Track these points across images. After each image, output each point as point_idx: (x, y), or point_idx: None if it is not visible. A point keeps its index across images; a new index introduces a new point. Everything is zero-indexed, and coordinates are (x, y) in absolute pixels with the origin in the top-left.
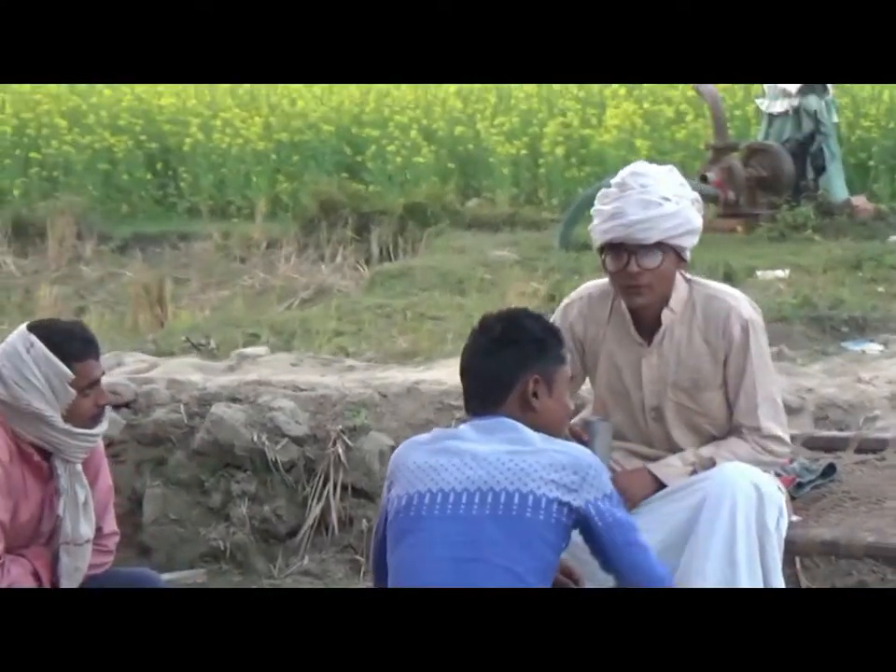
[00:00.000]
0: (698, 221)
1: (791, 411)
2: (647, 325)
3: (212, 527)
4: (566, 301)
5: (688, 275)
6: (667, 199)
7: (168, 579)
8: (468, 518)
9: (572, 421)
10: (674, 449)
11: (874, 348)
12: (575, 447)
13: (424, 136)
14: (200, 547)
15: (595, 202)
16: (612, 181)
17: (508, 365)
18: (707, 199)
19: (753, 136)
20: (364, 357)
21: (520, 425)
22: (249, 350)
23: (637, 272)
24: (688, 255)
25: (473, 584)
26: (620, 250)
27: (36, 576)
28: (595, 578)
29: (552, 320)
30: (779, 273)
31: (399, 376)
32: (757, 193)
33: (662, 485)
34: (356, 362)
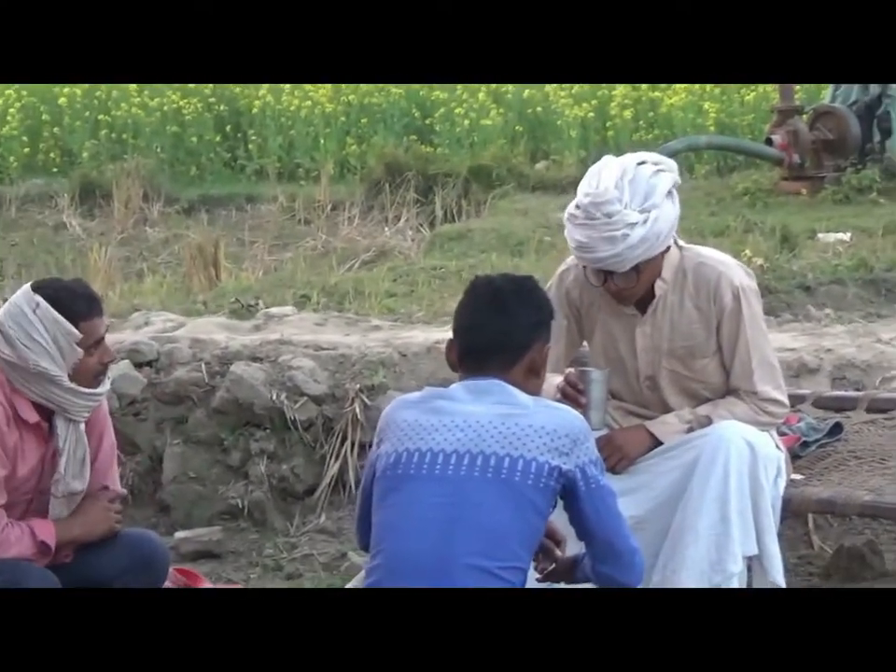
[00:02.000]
0: (671, 220)
1: (808, 370)
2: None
3: (230, 485)
4: (562, 267)
5: (681, 242)
6: (634, 224)
7: (184, 536)
8: (455, 479)
9: (568, 370)
10: (669, 411)
11: None
12: (567, 410)
13: (492, 99)
14: (218, 505)
15: (565, 219)
16: (579, 202)
17: (524, 327)
18: (773, 161)
19: (821, 99)
20: (401, 317)
21: (511, 387)
22: (276, 310)
23: (616, 289)
24: (671, 242)
25: (455, 547)
26: (597, 270)
27: (35, 540)
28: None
29: (548, 286)
30: (841, 235)
31: (421, 336)
32: (822, 156)
33: (658, 443)
34: (381, 321)
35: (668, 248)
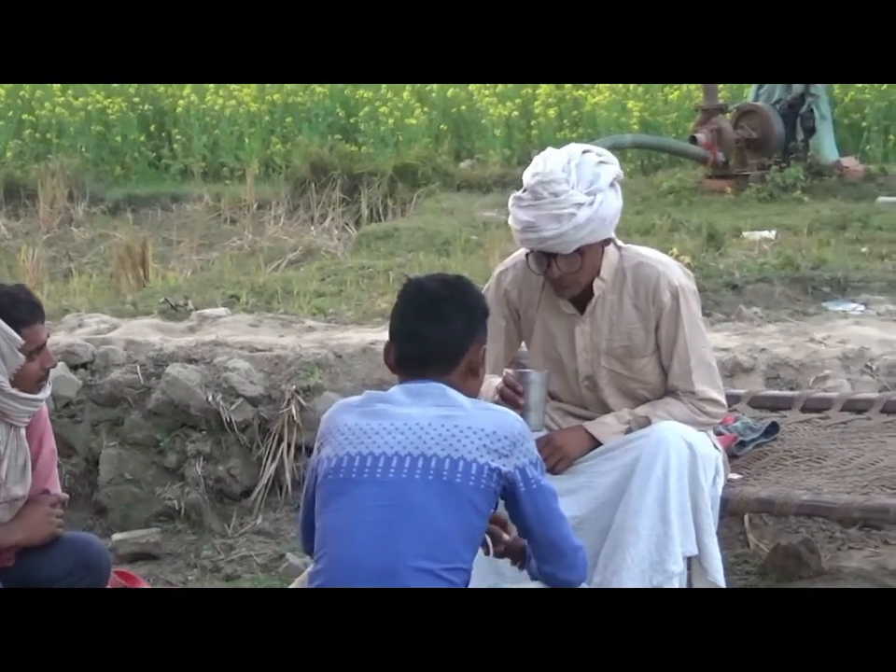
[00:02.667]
0: (615, 207)
1: (743, 370)
2: (578, 295)
3: (167, 487)
4: (500, 268)
5: (619, 242)
6: (580, 204)
7: (122, 538)
8: (397, 482)
9: (507, 371)
10: (608, 411)
11: (854, 308)
12: (506, 412)
13: (417, 98)
14: (155, 506)
15: (511, 203)
16: (525, 183)
17: (460, 333)
18: (697, 160)
19: (745, 98)
20: (335, 318)
21: (451, 389)
22: (209, 311)
23: (559, 275)
24: (612, 235)
25: (399, 550)
26: (540, 255)
27: None
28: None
29: (486, 287)
30: (766, 233)
31: (356, 336)
32: (746, 154)
33: (598, 443)
34: (315, 322)
35: (609, 243)
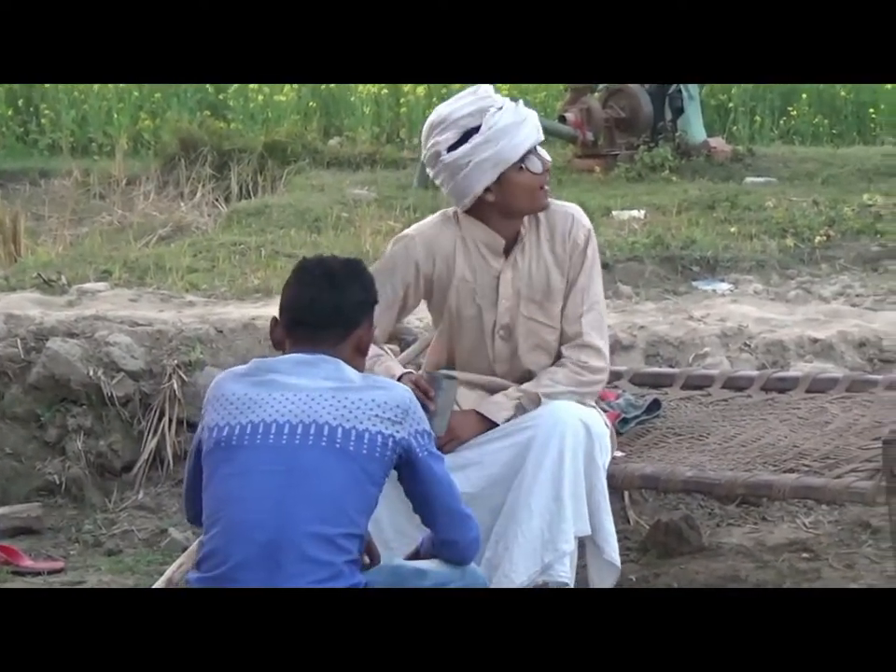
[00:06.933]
0: None
1: (623, 347)
2: (499, 245)
3: (48, 462)
4: (403, 238)
5: None
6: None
7: (2, 513)
8: (289, 448)
9: (420, 373)
10: (518, 369)
11: (723, 287)
12: (394, 384)
13: None
14: (35, 481)
15: (497, 121)
16: (486, 105)
17: (355, 304)
18: (566, 139)
19: None
20: (214, 293)
21: (341, 362)
22: (89, 285)
23: (548, 167)
24: None
25: (293, 515)
26: (534, 152)
27: None
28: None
29: (389, 254)
30: (635, 213)
31: (236, 312)
32: (615, 134)
33: (492, 424)
34: (195, 297)
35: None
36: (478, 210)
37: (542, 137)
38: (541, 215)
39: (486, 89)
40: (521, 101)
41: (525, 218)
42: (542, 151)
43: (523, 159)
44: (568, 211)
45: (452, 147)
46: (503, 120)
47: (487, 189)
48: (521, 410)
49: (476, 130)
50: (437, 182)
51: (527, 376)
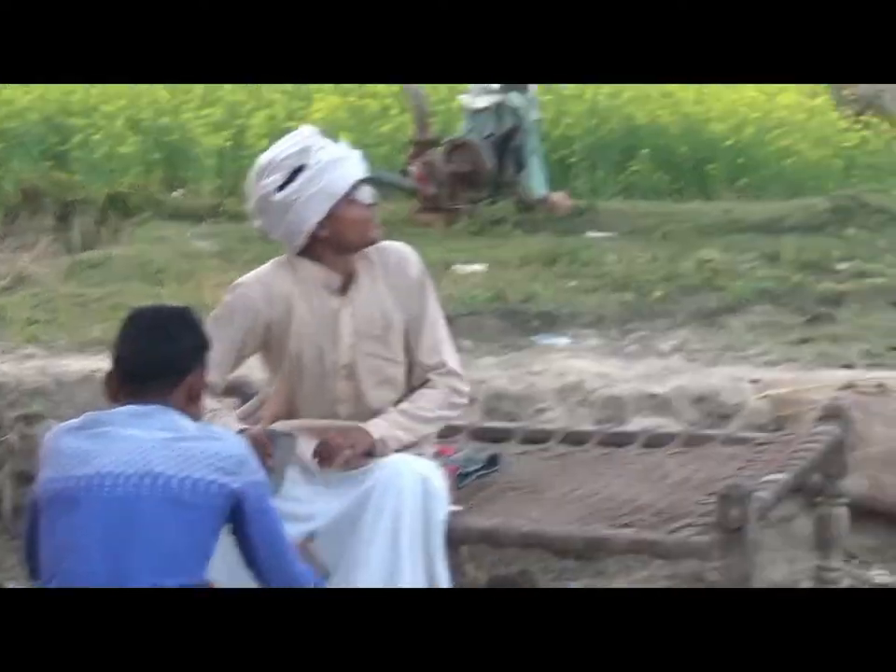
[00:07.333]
0: None
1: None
2: (335, 282)
3: None
4: (239, 288)
5: None
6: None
7: None
8: (126, 499)
9: (259, 428)
10: (363, 409)
11: (562, 342)
12: (230, 434)
13: (129, 126)
14: None
15: (312, 163)
16: (305, 144)
17: (186, 352)
18: (408, 192)
19: (457, 131)
20: (55, 345)
21: (175, 412)
22: None
23: (376, 202)
24: None
25: (130, 566)
26: (364, 186)
27: None
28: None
29: (226, 302)
30: (477, 267)
31: (77, 364)
32: (458, 188)
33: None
34: (36, 349)
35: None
36: (311, 249)
37: (367, 174)
38: (373, 252)
39: (307, 130)
40: (342, 142)
41: (360, 255)
42: (368, 188)
43: (351, 191)
44: (398, 247)
45: (281, 188)
46: (328, 155)
47: (319, 225)
48: (382, 445)
49: (302, 168)
50: (266, 229)
51: (371, 418)
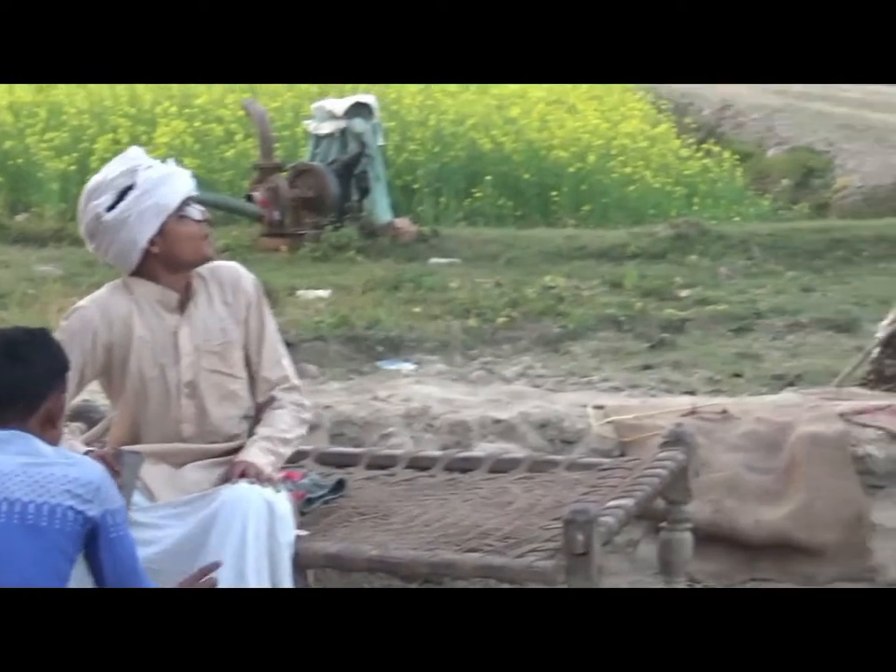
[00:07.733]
0: None
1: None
2: (172, 300)
3: None
4: (77, 312)
5: None
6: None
7: None
8: None
9: (105, 449)
10: (207, 429)
11: (407, 368)
12: (87, 461)
13: None
14: None
15: (140, 181)
16: (126, 162)
17: (41, 376)
18: (252, 218)
19: (301, 157)
20: None
21: (32, 437)
22: None
23: (208, 218)
24: None
25: None
26: (194, 202)
27: None
28: None
29: (64, 327)
30: (321, 292)
31: None
32: (302, 213)
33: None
34: None
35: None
36: (145, 268)
37: (196, 192)
38: (207, 271)
39: (134, 151)
40: (170, 160)
41: (194, 273)
42: (198, 206)
43: (182, 207)
44: (231, 265)
45: (110, 208)
46: (156, 173)
47: (152, 242)
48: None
49: (131, 187)
50: (99, 251)
51: (215, 437)
